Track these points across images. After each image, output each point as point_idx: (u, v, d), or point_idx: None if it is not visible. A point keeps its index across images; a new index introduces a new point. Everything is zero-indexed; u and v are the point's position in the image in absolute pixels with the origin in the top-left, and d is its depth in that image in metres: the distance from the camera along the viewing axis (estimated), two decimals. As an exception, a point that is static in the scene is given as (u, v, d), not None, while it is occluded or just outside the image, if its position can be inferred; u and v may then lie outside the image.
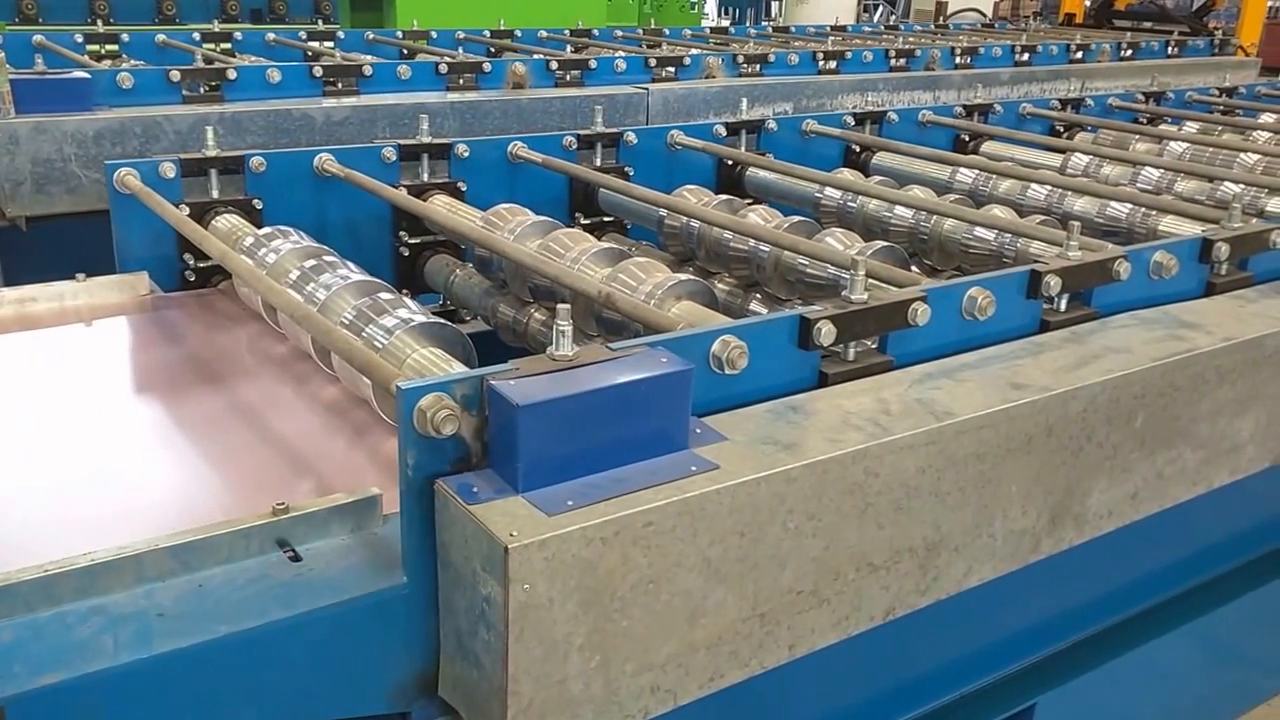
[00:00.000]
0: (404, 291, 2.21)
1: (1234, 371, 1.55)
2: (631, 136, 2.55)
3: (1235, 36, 5.81)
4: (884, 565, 1.24)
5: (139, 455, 1.44)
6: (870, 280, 1.44)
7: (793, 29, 6.16)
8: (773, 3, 12.77)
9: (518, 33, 4.80)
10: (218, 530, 1.08)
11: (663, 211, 2.24)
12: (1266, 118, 3.38)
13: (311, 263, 1.74)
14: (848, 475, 1.16)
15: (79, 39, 4.03)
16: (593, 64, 3.63)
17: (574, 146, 2.48)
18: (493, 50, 4.40)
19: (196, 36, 4.27)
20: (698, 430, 1.17)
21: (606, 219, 2.50)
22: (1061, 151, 2.84)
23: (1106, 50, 5.02)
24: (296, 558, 1.09)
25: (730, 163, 2.64)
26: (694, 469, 1.09)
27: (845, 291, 1.37)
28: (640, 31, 5.51)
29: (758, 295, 2.09)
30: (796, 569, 1.16)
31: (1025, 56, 4.68)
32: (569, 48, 4.61)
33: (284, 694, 1.03)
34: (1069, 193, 2.38)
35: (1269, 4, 7.85)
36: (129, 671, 0.94)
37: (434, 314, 1.57)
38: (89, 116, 2.61)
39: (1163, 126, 3.24)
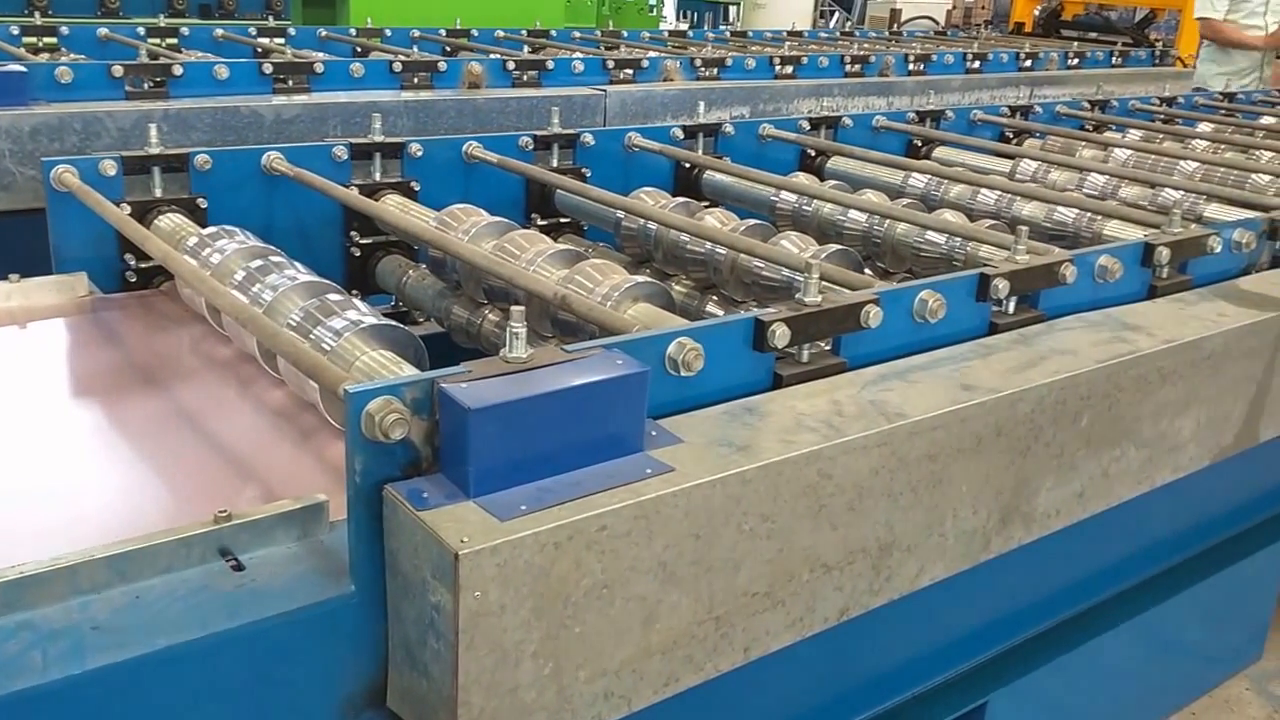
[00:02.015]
0: (355, 293, 2.17)
1: (1175, 373, 1.58)
2: (589, 138, 2.53)
3: (1175, 48, 5.98)
4: (838, 566, 1.24)
5: (77, 462, 1.39)
6: (824, 283, 1.45)
7: (750, 34, 6.19)
8: (730, 7, 12.85)
9: (474, 32, 4.76)
10: (156, 539, 1.04)
11: (620, 213, 2.23)
12: (1204, 126, 3.48)
13: (258, 263, 1.70)
14: (802, 477, 1.17)
15: (15, 31, 3.89)
16: (550, 65, 3.60)
17: (530, 147, 2.46)
18: (448, 49, 4.35)
19: (141, 31, 4.16)
20: (653, 433, 1.16)
21: (563, 220, 2.48)
22: (1011, 157, 2.89)
23: (1054, 59, 5.13)
24: (239, 567, 1.06)
25: (687, 165, 2.64)
26: (649, 472, 1.08)
27: (799, 294, 1.38)
28: (598, 33, 5.50)
29: (714, 297, 2.09)
30: (751, 571, 1.15)
31: (976, 64, 4.76)
32: (526, 48, 4.58)
33: (226, 708, 1.00)
34: (1018, 198, 2.42)
35: (1207, 16, 8.06)
36: (59, 688, 0.90)
37: (386, 315, 1.54)
38: (25, 111, 2.52)
39: (1107, 134, 3.32)
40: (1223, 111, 3.83)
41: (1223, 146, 3.09)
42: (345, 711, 1.07)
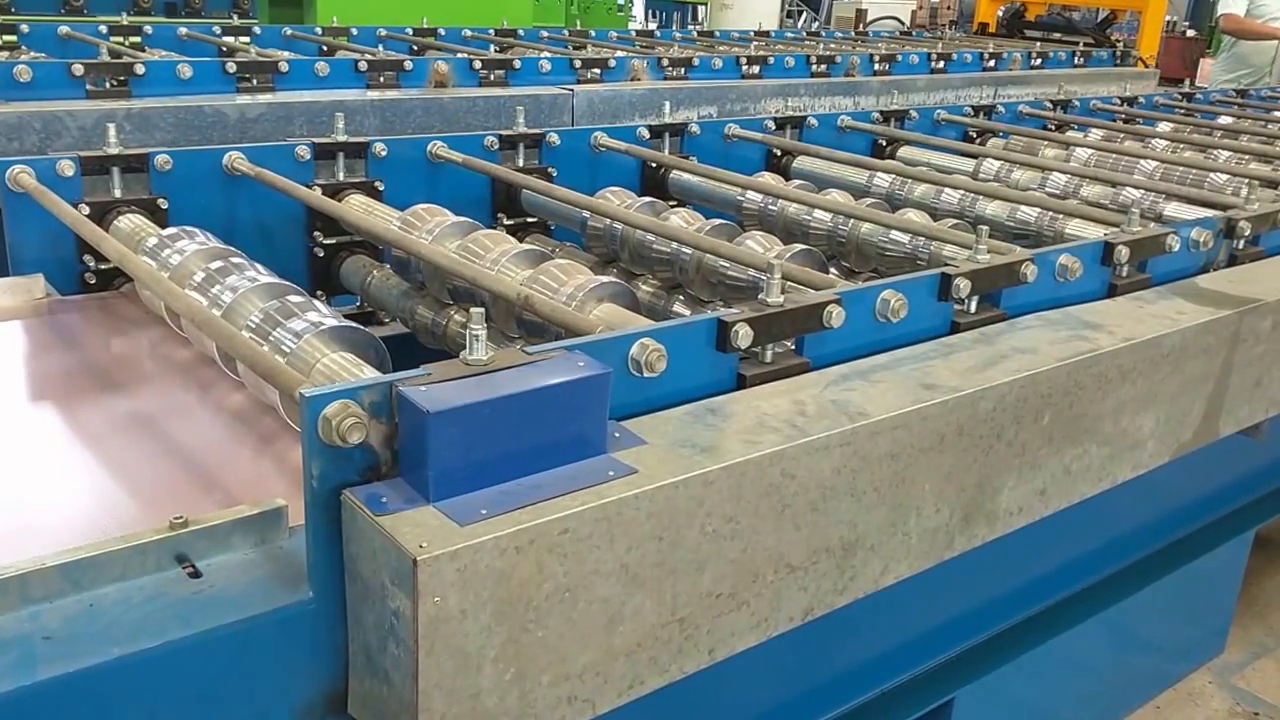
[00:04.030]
0: (319, 293, 2.16)
1: (1134, 370, 1.60)
2: (554, 137, 2.53)
3: (1135, 49, 6.06)
4: (802, 566, 1.25)
5: (31, 467, 1.36)
6: (788, 283, 1.45)
7: (717, 34, 6.21)
8: (699, 7, 12.91)
9: (441, 31, 4.73)
10: (111, 546, 1.02)
11: (586, 213, 2.23)
12: (1164, 126, 3.54)
13: (217, 264, 1.67)
14: (765, 477, 1.17)
15: (-28, 29, 3.82)
16: (517, 64, 3.59)
17: (496, 147, 2.45)
18: (415, 49, 4.32)
19: (103, 29, 4.09)
20: (616, 434, 1.16)
21: (530, 220, 2.47)
22: (974, 157, 2.92)
23: (1017, 59, 5.19)
24: (196, 574, 1.04)
25: (654, 165, 2.64)
26: (612, 474, 1.08)
27: (762, 294, 1.38)
28: (566, 33, 5.49)
29: (681, 297, 2.09)
30: (715, 572, 1.15)
31: (941, 64, 4.80)
32: (493, 47, 4.56)
33: (183, 718, 0.99)
34: (981, 197, 2.44)
35: (1166, 19, 8.21)
36: (10, 700, 0.89)
37: (350, 317, 1.52)
38: (-20, 111, 2.48)
39: (1069, 133, 3.36)
40: (1181, 111, 3.90)
41: (1182, 146, 3.14)
42: (305, 718, 1.06)
